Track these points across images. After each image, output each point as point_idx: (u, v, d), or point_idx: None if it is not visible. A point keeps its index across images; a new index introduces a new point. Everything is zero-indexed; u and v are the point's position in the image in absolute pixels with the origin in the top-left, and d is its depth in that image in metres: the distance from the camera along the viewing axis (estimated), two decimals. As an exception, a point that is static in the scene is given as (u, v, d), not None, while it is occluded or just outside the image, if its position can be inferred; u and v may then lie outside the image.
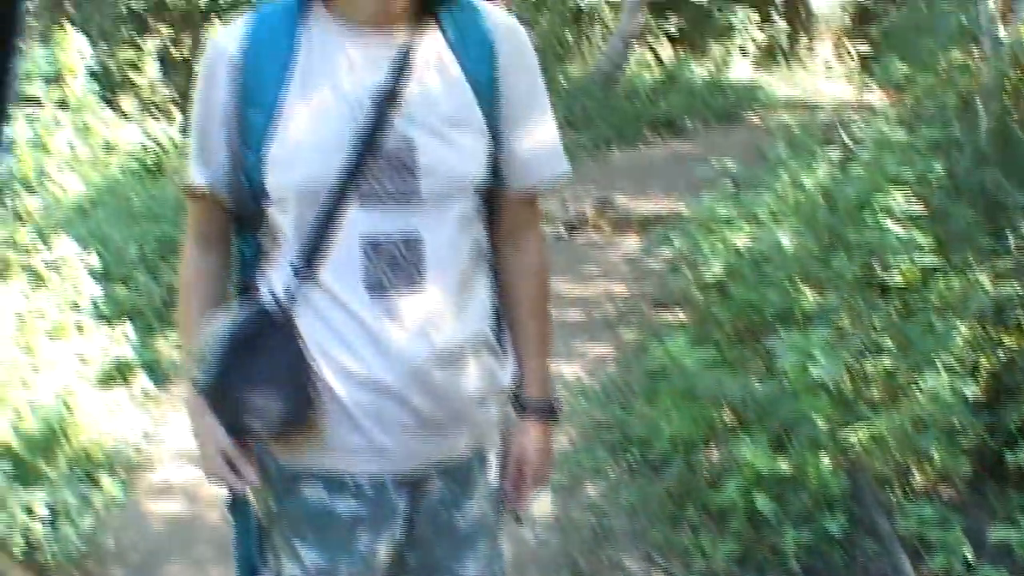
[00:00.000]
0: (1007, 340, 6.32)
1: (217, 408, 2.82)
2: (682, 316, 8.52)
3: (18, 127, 8.14)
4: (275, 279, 2.78)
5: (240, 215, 2.83)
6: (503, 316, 3.03)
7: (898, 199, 6.83)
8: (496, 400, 2.98)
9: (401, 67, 2.66)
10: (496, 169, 2.83)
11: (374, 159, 2.63)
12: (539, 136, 2.89)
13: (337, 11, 2.68)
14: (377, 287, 2.69)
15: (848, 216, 7.02)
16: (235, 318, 2.76)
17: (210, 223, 2.92)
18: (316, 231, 2.66)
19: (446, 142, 2.68)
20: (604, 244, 11.36)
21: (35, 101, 8.32)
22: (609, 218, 11.99)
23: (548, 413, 3.10)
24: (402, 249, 2.69)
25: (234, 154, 2.72)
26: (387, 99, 2.63)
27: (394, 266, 2.69)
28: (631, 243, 11.22)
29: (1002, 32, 10.22)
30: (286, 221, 2.70)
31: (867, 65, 19.13)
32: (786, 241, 6.65)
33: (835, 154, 8.50)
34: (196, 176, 2.79)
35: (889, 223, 6.72)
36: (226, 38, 2.72)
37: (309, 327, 2.74)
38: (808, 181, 7.78)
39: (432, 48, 2.73)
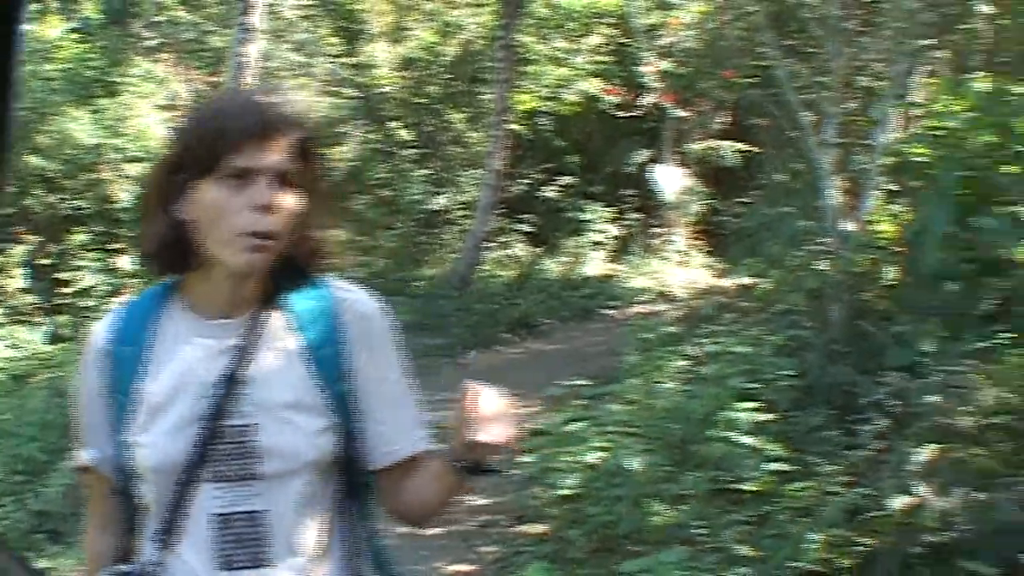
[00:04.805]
0: (863, 540, 6.36)
1: None
2: (542, 530, 8.45)
3: None
4: (146, 550, 2.85)
5: (123, 490, 2.90)
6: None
7: (742, 413, 6.91)
8: None
9: (244, 354, 2.78)
10: (355, 444, 2.88)
11: (220, 442, 2.73)
12: (395, 412, 2.93)
13: (189, 303, 2.84)
14: (227, 564, 2.76)
15: (696, 431, 7.08)
16: None
17: (104, 504, 2.99)
18: (172, 507, 2.76)
19: (286, 424, 2.76)
20: (464, 454, 11.22)
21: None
22: (468, 426, 11.93)
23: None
24: (248, 526, 2.76)
25: (110, 435, 2.85)
26: (230, 385, 2.75)
27: (241, 543, 2.76)
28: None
29: (849, 226, 10.48)
30: (149, 496, 2.81)
31: (719, 254, 19.58)
32: (636, 460, 6.68)
33: (685, 363, 8.60)
34: (82, 455, 2.94)
35: (736, 435, 6.79)
36: (98, 329, 2.91)
37: None
38: (657, 396, 7.84)
39: (277, 332, 2.84)
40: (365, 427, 2.89)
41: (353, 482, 2.94)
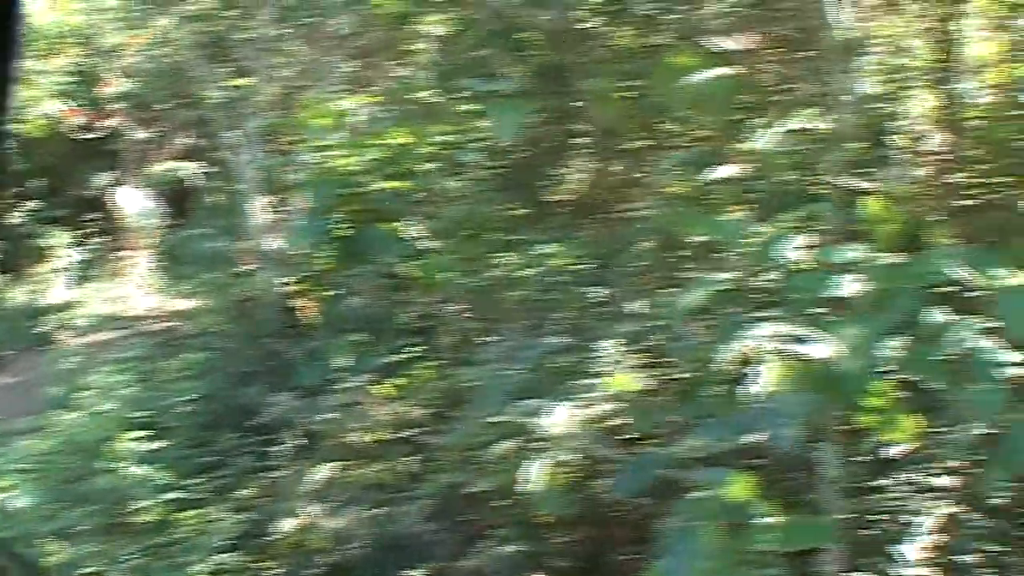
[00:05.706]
0: (263, 565, 6.60)
1: None
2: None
3: None
4: None
5: None
6: None
7: (131, 443, 7.02)
8: None
9: None
10: None
11: None
12: None
13: None
14: None
15: (86, 464, 7.17)
16: None
17: None
18: None
19: None
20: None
21: None
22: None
23: None
24: None
25: None
26: None
27: None
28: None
29: (275, 244, 10.73)
30: None
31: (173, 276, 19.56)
32: (25, 499, 6.73)
33: (90, 393, 8.63)
34: None
35: (124, 466, 6.91)
36: None
37: None
38: (60, 430, 7.88)
39: None
40: None
41: None
